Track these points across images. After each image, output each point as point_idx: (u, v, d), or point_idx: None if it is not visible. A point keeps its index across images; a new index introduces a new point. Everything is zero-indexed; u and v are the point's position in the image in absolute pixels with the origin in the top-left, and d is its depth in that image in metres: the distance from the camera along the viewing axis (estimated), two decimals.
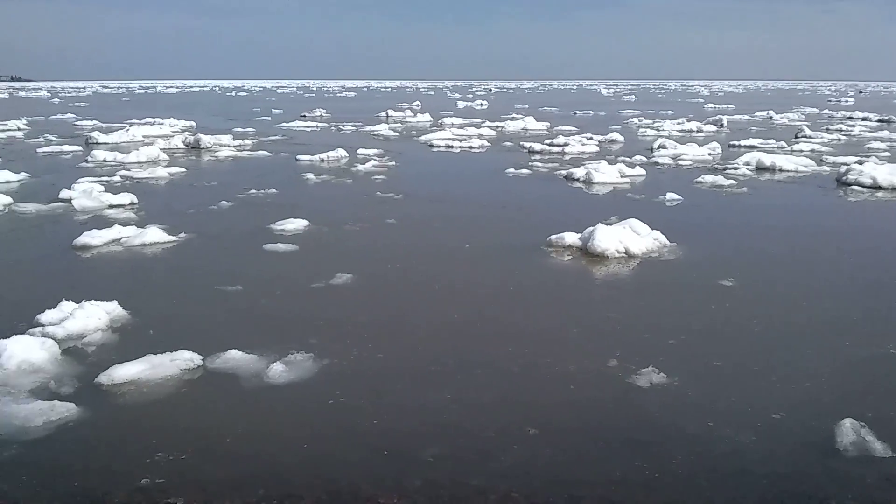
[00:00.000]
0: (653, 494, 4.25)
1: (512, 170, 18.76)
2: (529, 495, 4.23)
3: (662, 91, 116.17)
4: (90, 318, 6.80)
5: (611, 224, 10.39)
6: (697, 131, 31.12)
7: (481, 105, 60.80)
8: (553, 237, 10.23)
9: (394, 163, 20.56)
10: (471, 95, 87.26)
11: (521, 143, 25.70)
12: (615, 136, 27.42)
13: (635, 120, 38.58)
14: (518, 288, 8.47)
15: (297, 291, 8.18)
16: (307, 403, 5.43)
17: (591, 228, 9.99)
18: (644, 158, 20.62)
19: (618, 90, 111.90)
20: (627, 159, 19.56)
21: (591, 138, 26.29)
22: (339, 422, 5.16)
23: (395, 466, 4.56)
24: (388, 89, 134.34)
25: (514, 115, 42.10)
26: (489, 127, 32.74)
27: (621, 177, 17.04)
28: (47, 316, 6.85)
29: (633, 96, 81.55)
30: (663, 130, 31.19)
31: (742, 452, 4.68)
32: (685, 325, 7.05)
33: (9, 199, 13.73)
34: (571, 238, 10.10)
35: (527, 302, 7.94)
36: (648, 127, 33.50)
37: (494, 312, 7.53)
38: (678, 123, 33.51)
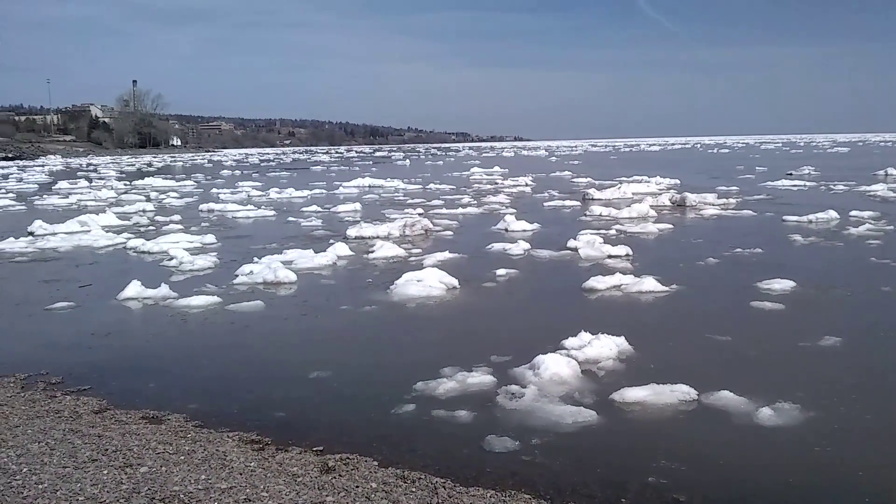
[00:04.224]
0: None
1: None
2: None
3: None
4: (603, 347, 8.29)
5: None
6: None
7: None
8: None
9: (892, 227, 19.06)
10: None
11: None
12: None
13: None
14: None
15: (784, 348, 8.59)
16: (793, 449, 5.94)
17: None
18: None
19: None
20: None
21: None
22: (824, 468, 5.59)
23: None
24: (890, 143, 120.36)
25: None
26: None
27: None
28: (570, 342, 8.50)
29: None
30: None
31: None
32: None
33: (527, 245, 16.60)
34: None
35: None
36: None
37: None
38: None
